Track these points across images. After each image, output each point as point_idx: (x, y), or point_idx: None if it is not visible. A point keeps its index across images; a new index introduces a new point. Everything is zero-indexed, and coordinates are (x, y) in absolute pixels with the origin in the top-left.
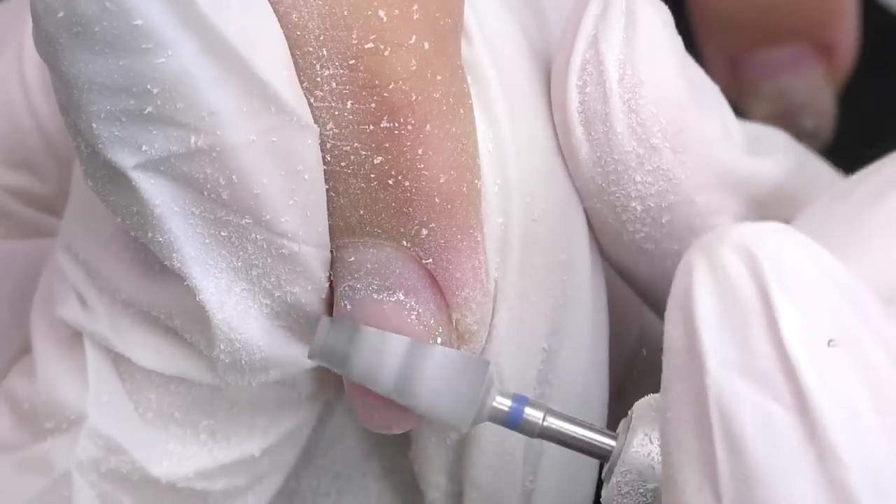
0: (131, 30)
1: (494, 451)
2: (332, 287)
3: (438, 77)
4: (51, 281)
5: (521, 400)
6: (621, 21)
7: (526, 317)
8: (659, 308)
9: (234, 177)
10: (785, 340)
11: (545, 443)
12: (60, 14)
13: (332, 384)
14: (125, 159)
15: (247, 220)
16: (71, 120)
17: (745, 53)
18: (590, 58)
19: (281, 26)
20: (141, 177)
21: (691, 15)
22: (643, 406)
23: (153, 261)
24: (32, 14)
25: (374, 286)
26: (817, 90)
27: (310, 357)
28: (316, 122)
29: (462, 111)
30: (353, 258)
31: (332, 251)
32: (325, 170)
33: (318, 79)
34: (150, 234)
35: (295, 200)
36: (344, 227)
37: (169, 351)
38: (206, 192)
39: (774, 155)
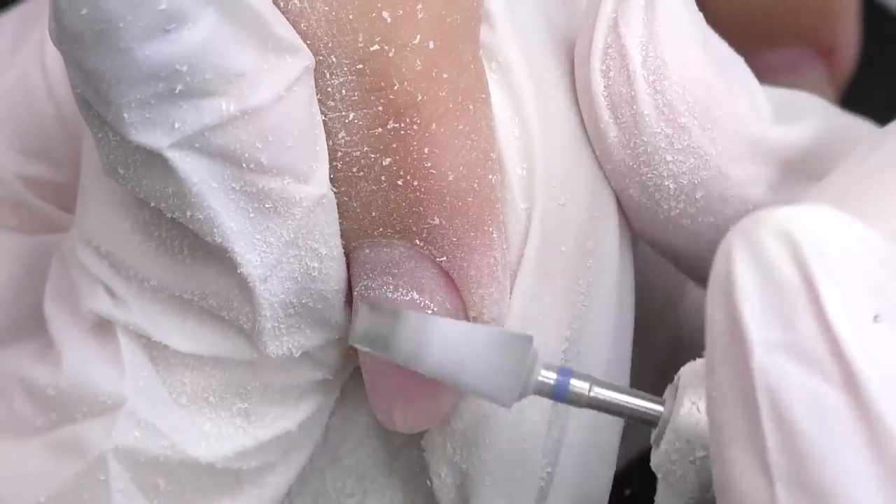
0: (156, 16)
1: (510, 436)
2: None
3: (445, 75)
4: (67, 274)
5: (566, 372)
6: (640, 2)
7: (547, 302)
8: (700, 279)
9: (269, 136)
10: (830, 318)
11: (566, 435)
12: (84, 11)
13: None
14: (159, 140)
15: (288, 181)
16: (94, 112)
17: (746, 55)
18: (611, 41)
19: None
20: (177, 156)
21: None
22: (689, 373)
23: (179, 247)
24: (54, 12)
25: (388, 285)
26: (818, 92)
27: (351, 342)
28: (328, 133)
29: (472, 107)
30: (367, 258)
31: (348, 253)
32: (336, 176)
33: (329, 88)
34: (188, 214)
35: (319, 147)
36: (358, 229)
37: (205, 333)
38: (244, 164)
39: (803, 120)
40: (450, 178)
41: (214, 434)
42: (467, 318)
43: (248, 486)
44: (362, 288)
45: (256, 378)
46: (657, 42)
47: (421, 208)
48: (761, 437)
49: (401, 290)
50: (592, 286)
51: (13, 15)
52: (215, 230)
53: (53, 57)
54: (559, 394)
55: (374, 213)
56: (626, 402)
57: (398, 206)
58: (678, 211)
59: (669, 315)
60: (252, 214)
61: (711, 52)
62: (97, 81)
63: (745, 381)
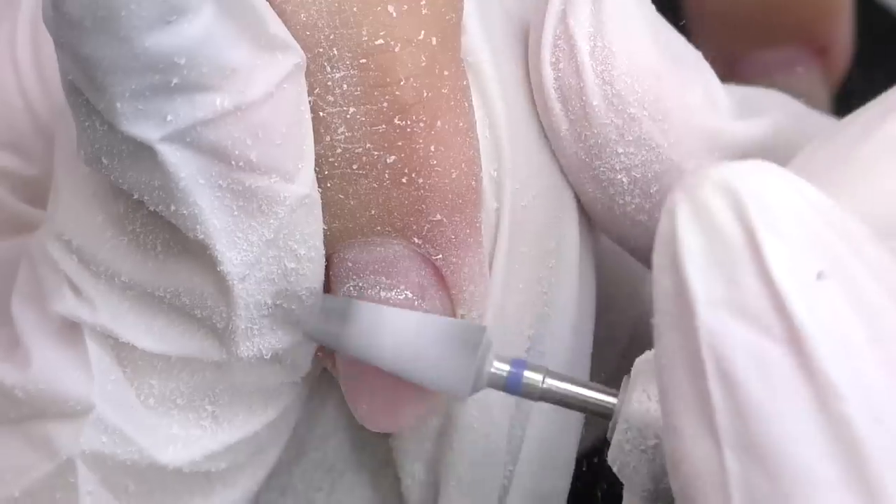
0: (159, 6)
1: (475, 439)
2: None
3: (446, 72)
4: (36, 273)
5: (519, 364)
6: None
7: (510, 303)
8: None
9: (259, 133)
10: (773, 275)
11: (526, 433)
12: None
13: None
14: (150, 132)
15: (274, 179)
16: (83, 100)
17: (741, 54)
18: (560, 33)
19: (289, 28)
20: (167, 149)
21: (687, 15)
22: (642, 362)
23: (153, 242)
24: None
25: (381, 284)
26: (813, 91)
27: (305, 335)
28: (327, 128)
29: (467, 105)
30: (357, 258)
31: (330, 253)
32: (333, 173)
33: (330, 83)
34: (172, 208)
35: (306, 146)
36: (353, 228)
37: (173, 333)
38: (233, 161)
39: (767, 115)
40: (453, 175)
41: (182, 437)
42: (455, 316)
43: (218, 486)
44: (351, 287)
45: (225, 380)
46: (605, 32)
47: (423, 206)
48: (708, 399)
49: (395, 289)
50: (554, 286)
51: None
52: (198, 226)
53: (24, 51)
54: (513, 386)
55: (372, 211)
56: (580, 394)
57: (400, 203)
58: (634, 206)
59: (630, 306)
60: (236, 213)
61: (664, 44)
62: (92, 69)
63: (690, 341)
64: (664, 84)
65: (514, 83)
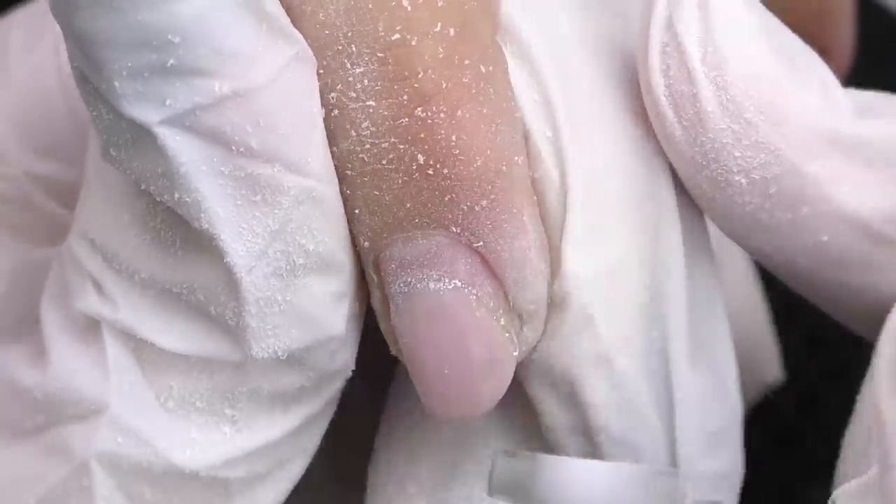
0: None
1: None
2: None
3: (466, 61)
4: (63, 272)
5: None
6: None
7: (612, 254)
8: (787, 278)
9: (260, 120)
10: None
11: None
12: None
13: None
14: (149, 115)
15: (278, 169)
16: (90, 86)
17: None
18: (668, 40)
19: (309, 28)
20: (166, 133)
21: None
22: (844, 495)
23: (172, 238)
24: None
25: (430, 277)
26: None
27: (489, 494)
28: (352, 124)
29: (493, 91)
30: (404, 253)
31: (377, 253)
32: (365, 170)
33: (350, 78)
34: (176, 196)
35: (315, 138)
36: (392, 223)
37: (192, 331)
38: (234, 147)
39: (889, 117)
40: (478, 163)
41: (200, 441)
42: (507, 301)
43: (237, 496)
44: (401, 285)
45: (244, 383)
46: (715, 38)
47: (453, 195)
48: None
49: (443, 280)
50: (662, 238)
51: (20, 16)
52: (202, 215)
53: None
54: None
55: (408, 205)
56: None
57: (431, 194)
58: (753, 206)
59: None
60: (239, 201)
61: (777, 46)
62: (88, 45)
63: None
64: (781, 87)
65: (565, 44)
